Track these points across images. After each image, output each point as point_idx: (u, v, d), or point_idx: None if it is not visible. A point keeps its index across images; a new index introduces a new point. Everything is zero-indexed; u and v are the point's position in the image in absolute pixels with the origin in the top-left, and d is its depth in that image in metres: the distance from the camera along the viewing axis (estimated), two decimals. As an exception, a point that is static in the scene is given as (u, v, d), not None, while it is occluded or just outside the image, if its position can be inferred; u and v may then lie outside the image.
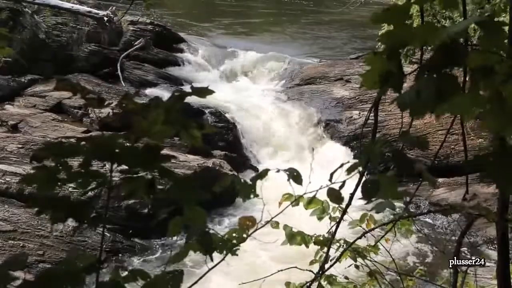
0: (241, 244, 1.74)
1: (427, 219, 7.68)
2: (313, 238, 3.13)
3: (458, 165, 8.17)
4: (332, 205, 3.15)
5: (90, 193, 1.25)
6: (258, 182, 1.64)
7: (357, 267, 3.24)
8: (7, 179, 7.00)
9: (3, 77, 9.44)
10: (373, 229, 3.19)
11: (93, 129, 8.47)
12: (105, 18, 10.60)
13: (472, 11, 6.88)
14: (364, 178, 1.41)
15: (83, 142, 1.19)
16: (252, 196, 1.61)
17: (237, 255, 1.70)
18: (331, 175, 1.51)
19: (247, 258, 5.95)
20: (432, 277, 5.18)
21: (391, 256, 3.44)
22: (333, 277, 3.16)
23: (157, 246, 7.00)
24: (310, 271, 2.83)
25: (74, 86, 1.21)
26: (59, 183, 1.19)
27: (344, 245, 3.02)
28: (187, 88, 1.33)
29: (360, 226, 3.31)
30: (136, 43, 11.05)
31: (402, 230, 3.54)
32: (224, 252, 1.67)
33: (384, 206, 1.54)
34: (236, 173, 7.57)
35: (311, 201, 2.93)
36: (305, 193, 2.04)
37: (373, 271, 3.28)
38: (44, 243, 6.42)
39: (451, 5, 1.28)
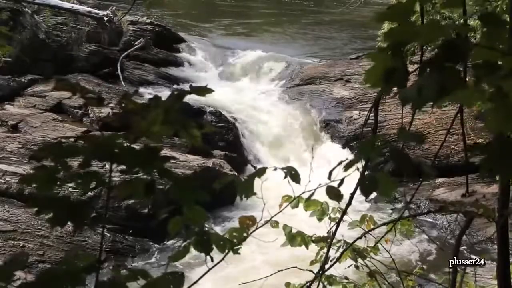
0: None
1: (427, 219, 7.68)
2: (313, 238, 3.13)
3: (458, 165, 8.18)
4: (331, 206, 3.15)
5: (90, 193, 1.25)
6: (259, 182, 1.64)
7: (357, 267, 3.24)
8: (7, 179, 7.00)
9: (3, 77, 9.43)
10: (373, 229, 3.19)
11: (93, 129, 8.47)
12: (105, 18, 10.60)
13: (472, 12, 6.89)
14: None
15: (82, 142, 1.19)
16: (250, 194, 1.61)
17: (239, 253, 1.70)
18: (330, 172, 1.51)
19: (242, 262, 5.94)
20: (431, 277, 5.19)
21: (391, 256, 3.44)
22: (333, 277, 3.16)
23: (157, 246, 7.00)
24: (310, 271, 2.83)
25: (73, 86, 1.21)
26: (58, 183, 1.20)
27: (344, 245, 3.02)
28: (186, 88, 1.33)
29: (360, 227, 3.31)
30: (136, 43, 11.04)
31: (402, 230, 3.55)
32: (226, 251, 1.67)
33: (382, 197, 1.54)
34: (236, 173, 7.57)
35: (310, 201, 2.93)
36: (304, 192, 2.04)
37: (373, 271, 3.28)
38: (44, 243, 6.43)
39: (453, 4, 1.28)
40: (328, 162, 7.53)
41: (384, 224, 3.27)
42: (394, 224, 3.22)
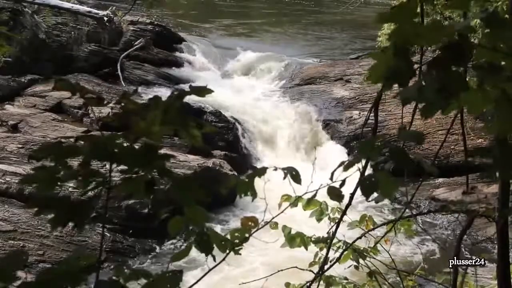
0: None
1: (427, 219, 7.68)
2: (313, 239, 3.12)
3: (458, 165, 8.18)
4: (330, 206, 3.15)
5: (90, 193, 1.25)
6: (260, 183, 1.63)
7: (357, 267, 3.23)
8: (7, 179, 7.00)
9: (3, 77, 9.44)
10: (373, 229, 3.18)
11: (93, 129, 8.47)
12: (105, 18, 10.60)
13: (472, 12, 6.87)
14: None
15: (82, 142, 1.19)
16: (253, 196, 1.60)
17: (240, 254, 1.70)
18: (332, 173, 1.50)
19: (241, 263, 5.93)
20: (432, 277, 5.18)
21: (391, 257, 3.44)
22: (333, 277, 3.16)
23: (157, 246, 7.00)
24: (310, 271, 2.83)
25: (73, 86, 1.21)
26: (59, 183, 1.20)
27: (344, 246, 3.01)
28: (186, 88, 1.32)
29: (360, 227, 3.31)
30: (136, 43, 11.04)
31: (402, 230, 3.54)
32: (227, 251, 1.66)
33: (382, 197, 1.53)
34: (236, 173, 7.57)
35: (310, 202, 2.93)
36: (305, 193, 2.03)
37: (373, 271, 3.27)
38: (44, 243, 6.42)
39: (460, 6, 1.27)
40: (328, 162, 7.52)
41: (384, 224, 3.27)
42: (394, 224, 3.22)
